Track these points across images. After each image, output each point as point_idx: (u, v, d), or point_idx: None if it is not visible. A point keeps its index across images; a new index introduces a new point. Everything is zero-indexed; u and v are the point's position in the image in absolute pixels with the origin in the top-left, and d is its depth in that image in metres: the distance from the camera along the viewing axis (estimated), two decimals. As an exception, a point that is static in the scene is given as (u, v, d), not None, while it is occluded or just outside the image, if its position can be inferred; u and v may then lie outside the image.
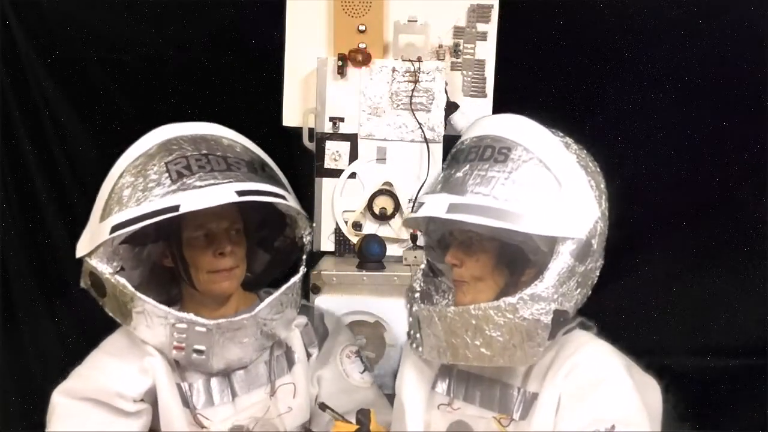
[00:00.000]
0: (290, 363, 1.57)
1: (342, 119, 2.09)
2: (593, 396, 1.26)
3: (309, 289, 1.88)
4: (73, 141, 2.39)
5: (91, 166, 2.41)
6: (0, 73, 2.31)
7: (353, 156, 2.10)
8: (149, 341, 1.43)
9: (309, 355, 1.60)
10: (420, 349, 1.39)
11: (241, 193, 1.37)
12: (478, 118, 1.47)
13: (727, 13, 2.26)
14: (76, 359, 1.50)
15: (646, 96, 2.34)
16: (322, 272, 1.91)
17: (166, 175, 1.37)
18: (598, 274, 1.34)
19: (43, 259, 2.41)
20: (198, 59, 2.38)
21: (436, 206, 1.31)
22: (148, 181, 1.37)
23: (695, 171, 2.34)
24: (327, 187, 2.09)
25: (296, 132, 2.14)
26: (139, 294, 1.39)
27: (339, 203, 2.09)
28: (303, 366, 1.57)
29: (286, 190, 1.52)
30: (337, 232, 2.10)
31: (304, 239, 1.58)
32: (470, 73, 2.19)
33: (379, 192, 2.09)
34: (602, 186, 1.34)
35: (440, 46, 2.17)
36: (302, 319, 1.59)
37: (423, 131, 2.07)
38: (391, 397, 1.56)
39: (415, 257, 1.98)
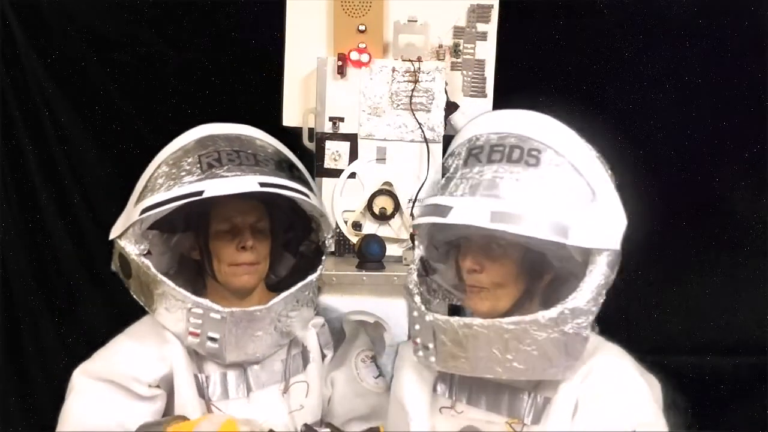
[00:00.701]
0: (305, 362, 1.59)
1: (342, 119, 2.09)
2: (612, 400, 1.24)
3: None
4: (73, 141, 2.39)
5: (91, 166, 2.41)
6: (0, 73, 2.31)
7: (353, 156, 2.10)
8: (168, 326, 1.48)
9: (324, 356, 1.62)
10: (432, 359, 1.32)
11: (263, 185, 1.43)
12: (485, 112, 1.44)
13: (727, 13, 2.26)
14: (76, 359, 1.51)
15: (646, 96, 2.34)
16: (322, 272, 1.91)
17: (198, 165, 1.44)
18: None
19: (43, 259, 2.41)
20: (198, 59, 2.39)
21: (476, 214, 1.21)
22: (181, 170, 1.45)
23: (695, 171, 2.34)
24: (327, 187, 2.09)
25: (296, 132, 2.13)
26: (160, 276, 1.46)
27: (339, 203, 2.09)
28: (317, 366, 1.59)
29: (313, 192, 1.57)
30: (337, 232, 2.10)
31: (327, 242, 1.63)
32: (470, 73, 2.19)
33: (379, 192, 2.09)
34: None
35: (440, 46, 2.17)
36: (319, 320, 1.62)
37: (423, 131, 2.07)
38: None
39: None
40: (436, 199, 1.30)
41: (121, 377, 1.44)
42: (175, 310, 1.46)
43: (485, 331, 1.24)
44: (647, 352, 1.37)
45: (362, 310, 1.80)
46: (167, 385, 1.47)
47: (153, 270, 1.46)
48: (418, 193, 2.02)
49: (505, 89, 2.19)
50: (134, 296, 1.53)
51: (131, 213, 1.49)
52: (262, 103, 2.26)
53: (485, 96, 2.19)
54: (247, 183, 1.42)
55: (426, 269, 1.46)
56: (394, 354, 1.57)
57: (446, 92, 2.09)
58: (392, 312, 1.81)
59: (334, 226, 2.09)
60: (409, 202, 2.07)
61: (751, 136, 2.30)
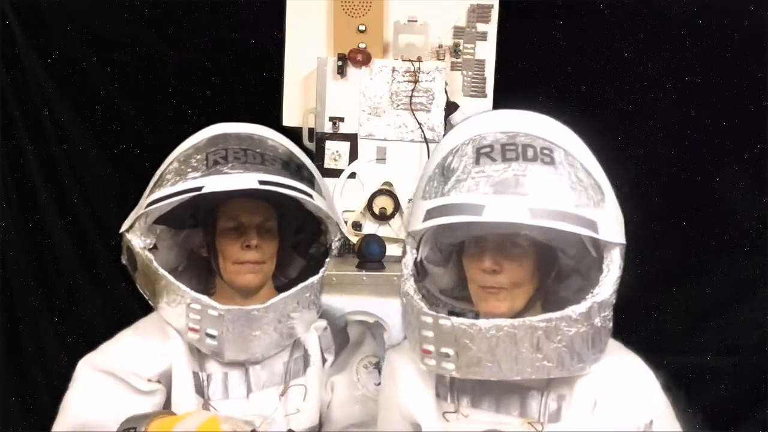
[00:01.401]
0: (306, 365, 1.57)
1: (342, 119, 2.09)
2: (630, 394, 1.26)
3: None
4: (73, 141, 2.40)
5: (91, 166, 2.41)
6: (0, 73, 2.31)
7: (353, 156, 2.10)
8: (170, 321, 1.49)
9: (324, 361, 1.59)
10: (450, 366, 1.26)
11: (263, 183, 1.42)
12: (482, 112, 1.43)
13: (727, 13, 2.26)
14: (76, 359, 1.51)
15: (646, 96, 2.34)
16: (324, 275, 1.91)
17: (204, 162, 1.45)
18: None
19: (43, 259, 2.41)
20: (198, 59, 2.39)
21: (515, 211, 1.18)
22: (188, 167, 1.45)
23: (695, 171, 2.34)
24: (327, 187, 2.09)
25: (296, 132, 2.13)
26: (161, 270, 1.47)
27: (339, 203, 2.09)
28: (317, 370, 1.57)
29: (322, 195, 1.55)
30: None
31: (332, 245, 1.62)
32: (470, 73, 2.19)
33: (379, 192, 2.09)
34: None
35: (440, 46, 2.17)
36: (322, 323, 1.59)
37: (423, 131, 2.07)
38: None
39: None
40: (449, 199, 1.24)
41: (122, 371, 1.45)
42: (175, 305, 1.47)
43: (515, 331, 1.22)
44: (647, 352, 1.37)
45: (362, 310, 1.80)
46: (167, 381, 1.47)
47: (155, 264, 1.47)
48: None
49: (505, 89, 2.19)
50: (140, 290, 1.54)
51: (140, 207, 1.51)
52: (262, 103, 2.26)
53: (485, 96, 2.19)
54: (247, 180, 1.42)
55: (419, 274, 1.41)
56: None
57: (446, 92, 2.09)
58: (392, 312, 1.81)
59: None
60: (409, 202, 2.07)
61: (751, 136, 2.31)
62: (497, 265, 1.27)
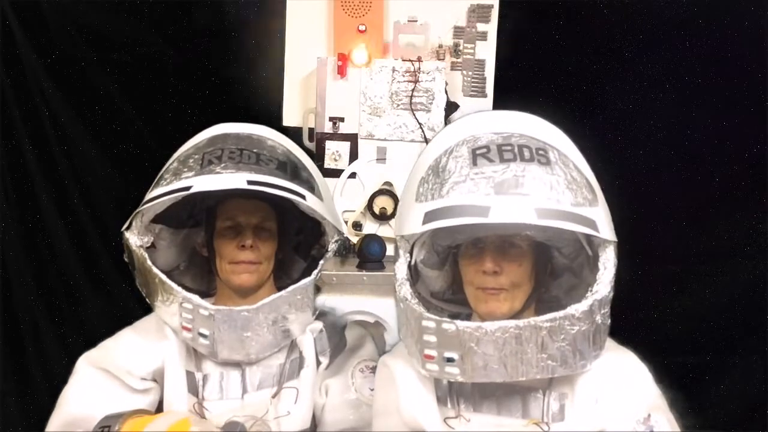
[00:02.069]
0: (300, 368, 1.56)
1: (342, 119, 2.09)
2: (629, 388, 1.28)
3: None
4: (73, 141, 2.39)
5: (91, 166, 2.41)
6: (0, 73, 2.31)
7: (353, 156, 2.10)
8: (165, 319, 1.50)
9: (319, 363, 1.58)
10: (455, 370, 1.26)
11: (252, 183, 1.42)
12: (477, 112, 1.42)
13: (727, 13, 2.26)
14: (76, 359, 1.52)
15: (646, 96, 2.34)
16: (321, 272, 1.91)
17: (200, 162, 1.45)
18: None
19: (43, 259, 2.41)
20: (198, 59, 2.38)
21: (521, 211, 1.18)
22: (185, 167, 1.46)
23: (695, 171, 2.34)
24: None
25: (296, 132, 2.13)
26: (155, 268, 1.48)
27: (339, 203, 2.09)
28: (311, 373, 1.55)
29: (321, 197, 1.56)
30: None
31: (329, 246, 1.62)
32: (470, 73, 2.19)
33: (379, 192, 2.09)
34: None
35: (440, 46, 2.17)
36: (317, 325, 1.58)
37: (423, 131, 2.07)
38: None
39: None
40: (449, 201, 1.23)
41: (117, 368, 1.47)
42: (169, 303, 1.48)
43: (521, 332, 1.22)
44: (647, 352, 1.37)
45: (362, 310, 1.80)
46: (162, 380, 1.49)
47: (149, 262, 1.49)
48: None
49: (505, 89, 2.19)
50: (139, 288, 1.56)
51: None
52: (262, 103, 2.26)
53: (485, 96, 2.19)
54: (235, 180, 1.42)
55: (412, 277, 1.39)
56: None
57: (446, 92, 2.09)
58: (392, 312, 1.80)
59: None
60: (409, 202, 2.07)
61: (751, 136, 2.30)
62: (498, 267, 1.28)
